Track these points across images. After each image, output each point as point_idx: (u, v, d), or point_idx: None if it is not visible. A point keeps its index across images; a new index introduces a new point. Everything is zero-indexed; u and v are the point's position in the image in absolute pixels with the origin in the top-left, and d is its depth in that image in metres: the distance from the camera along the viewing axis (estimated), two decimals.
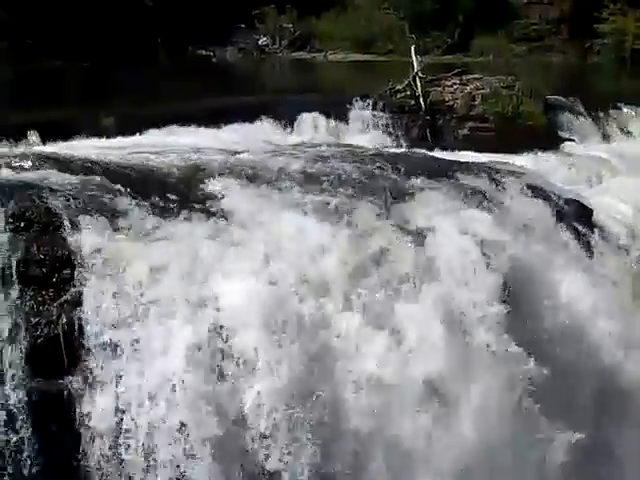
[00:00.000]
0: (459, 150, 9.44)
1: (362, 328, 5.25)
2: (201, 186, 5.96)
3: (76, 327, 4.68)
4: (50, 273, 4.77)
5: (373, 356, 5.16)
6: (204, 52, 23.66)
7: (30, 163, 6.02)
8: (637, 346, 6.48)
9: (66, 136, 7.58)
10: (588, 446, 5.69)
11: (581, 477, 5.78)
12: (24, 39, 18.82)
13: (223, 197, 5.74)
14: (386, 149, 9.11)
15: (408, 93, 10.32)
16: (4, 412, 4.47)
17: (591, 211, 7.68)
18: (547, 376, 5.51)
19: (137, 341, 4.72)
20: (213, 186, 5.95)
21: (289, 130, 9.13)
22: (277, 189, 6.07)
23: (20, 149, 7.03)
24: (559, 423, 5.57)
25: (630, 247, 7.71)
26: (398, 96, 10.29)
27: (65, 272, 4.79)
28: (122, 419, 4.60)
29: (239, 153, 7.29)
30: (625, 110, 11.47)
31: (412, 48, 11.45)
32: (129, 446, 4.59)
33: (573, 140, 10.63)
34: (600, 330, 6.23)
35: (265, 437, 4.76)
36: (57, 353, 4.63)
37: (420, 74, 10.47)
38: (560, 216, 7.05)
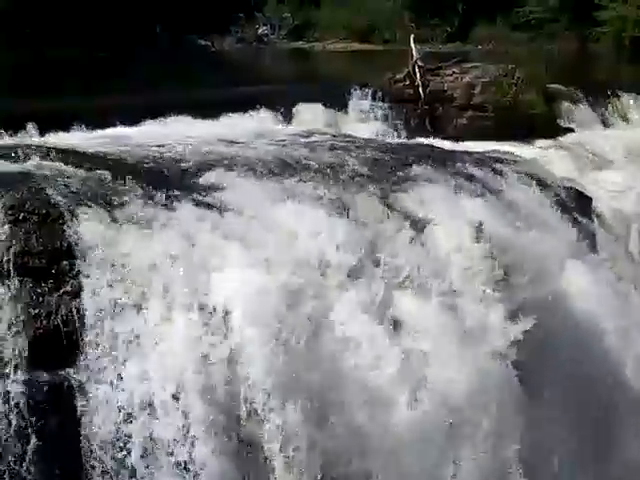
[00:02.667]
0: (458, 139, 9.42)
1: (361, 317, 5.25)
2: (200, 177, 5.96)
3: (76, 318, 4.68)
4: (49, 264, 4.76)
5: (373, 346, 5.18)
6: (203, 42, 23.63)
7: (28, 154, 6.01)
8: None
9: (64, 127, 7.56)
10: None
11: None
12: (22, 29, 18.77)
13: (222, 188, 5.74)
14: (385, 139, 9.10)
15: (407, 82, 10.28)
16: (4, 404, 4.47)
17: (590, 199, 7.69)
18: None
19: (137, 332, 4.72)
20: (212, 177, 5.95)
21: (288, 120, 9.11)
22: (276, 179, 6.07)
23: (18, 140, 7.02)
24: None
25: (628, 234, 7.72)
26: (397, 85, 10.26)
27: (64, 263, 4.79)
28: (122, 411, 4.60)
29: (237, 143, 7.29)
30: (625, 98, 11.44)
31: (411, 37, 11.40)
32: (130, 438, 4.59)
33: (573, 129, 10.61)
34: (597, 318, 6.25)
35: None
36: (57, 344, 4.64)
37: (419, 63, 10.43)
38: (559, 204, 7.05)
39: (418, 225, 5.83)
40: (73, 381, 4.60)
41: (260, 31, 26.12)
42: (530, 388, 5.57)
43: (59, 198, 5.07)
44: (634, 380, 6.38)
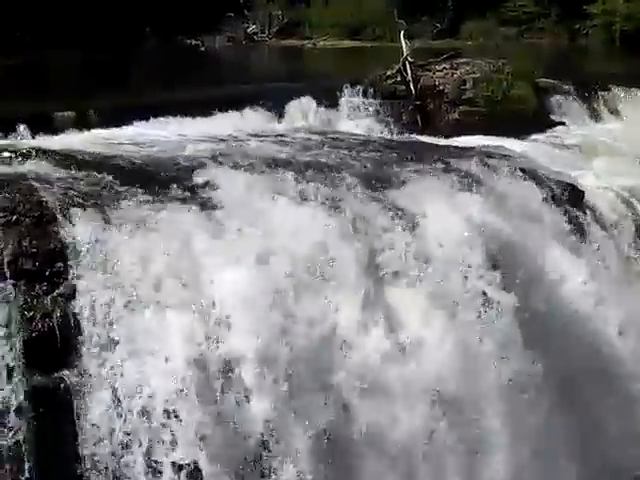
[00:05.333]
0: (450, 135, 9.43)
1: (358, 314, 5.27)
2: (192, 176, 5.96)
3: (71, 320, 4.67)
4: (43, 267, 4.76)
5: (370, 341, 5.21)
6: (193, 41, 23.60)
7: (20, 156, 6.00)
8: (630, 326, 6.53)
9: (55, 129, 7.55)
10: None
11: None
12: (13, 32, 18.70)
13: (214, 186, 5.74)
14: (377, 135, 9.10)
15: (398, 79, 10.27)
16: (0, 406, 4.46)
17: (582, 193, 7.71)
18: None
19: (132, 333, 4.72)
20: (204, 176, 5.95)
21: (279, 118, 9.10)
22: (268, 177, 6.07)
23: (10, 142, 7.01)
24: None
25: (620, 227, 7.74)
26: (388, 82, 10.25)
27: (58, 265, 4.78)
28: (119, 413, 4.60)
29: (229, 142, 7.29)
30: (615, 91, 11.46)
31: (402, 33, 11.40)
32: (125, 440, 4.59)
33: (564, 122, 10.62)
34: (590, 311, 6.28)
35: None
36: (52, 347, 4.63)
37: (410, 59, 10.43)
38: (551, 199, 7.07)
39: (411, 220, 5.84)
40: (69, 383, 4.60)
41: (250, 30, 26.10)
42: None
43: (52, 200, 5.06)
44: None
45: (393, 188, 6.19)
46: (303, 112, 9.26)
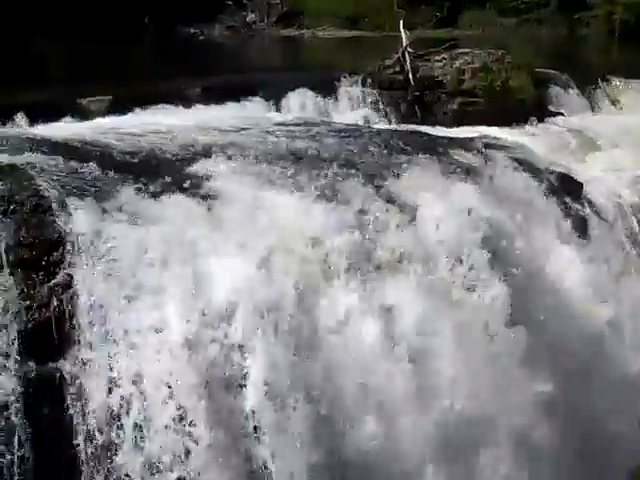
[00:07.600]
0: (448, 125, 9.43)
1: (356, 305, 5.27)
2: (190, 166, 5.96)
3: (68, 310, 4.67)
4: (40, 256, 4.75)
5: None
6: (192, 30, 23.54)
7: (18, 145, 6.00)
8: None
9: (54, 117, 7.54)
10: None
11: None
12: (13, 24, 18.64)
13: (212, 177, 5.74)
14: (375, 125, 9.10)
15: (397, 69, 10.26)
16: None
17: (581, 185, 7.70)
18: None
19: (130, 324, 4.72)
20: (202, 166, 5.94)
21: (277, 108, 9.09)
22: (266, 168, 6.06)
23: (7, 131, 7.00)
24: None
25: (618, 220, 7.75)
26: (387, 72, 10.25)
27: (55, 254, 4.78)
28: (115, 402, 4.60)
29: (227, 132, 7.28)
30: (614, 82, 11.45)
31: (401, 23, 11.37)
32: (121, 430, 4.60)
33: (563, 113, 10.62)
34: (586, 305, 6.29)
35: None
36: (49, 337, 4.63)
37: (409, 49, 10.41)
38: (549, 190, 7.07)
39: (408, 211, 5.84)
40: (65, 373, 4.60)
41: (249, 18, 26.02)
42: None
43: (49, 189, 5.06)
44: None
45: (390, 178, 6.18)
46: (301, 102, 9.25)
